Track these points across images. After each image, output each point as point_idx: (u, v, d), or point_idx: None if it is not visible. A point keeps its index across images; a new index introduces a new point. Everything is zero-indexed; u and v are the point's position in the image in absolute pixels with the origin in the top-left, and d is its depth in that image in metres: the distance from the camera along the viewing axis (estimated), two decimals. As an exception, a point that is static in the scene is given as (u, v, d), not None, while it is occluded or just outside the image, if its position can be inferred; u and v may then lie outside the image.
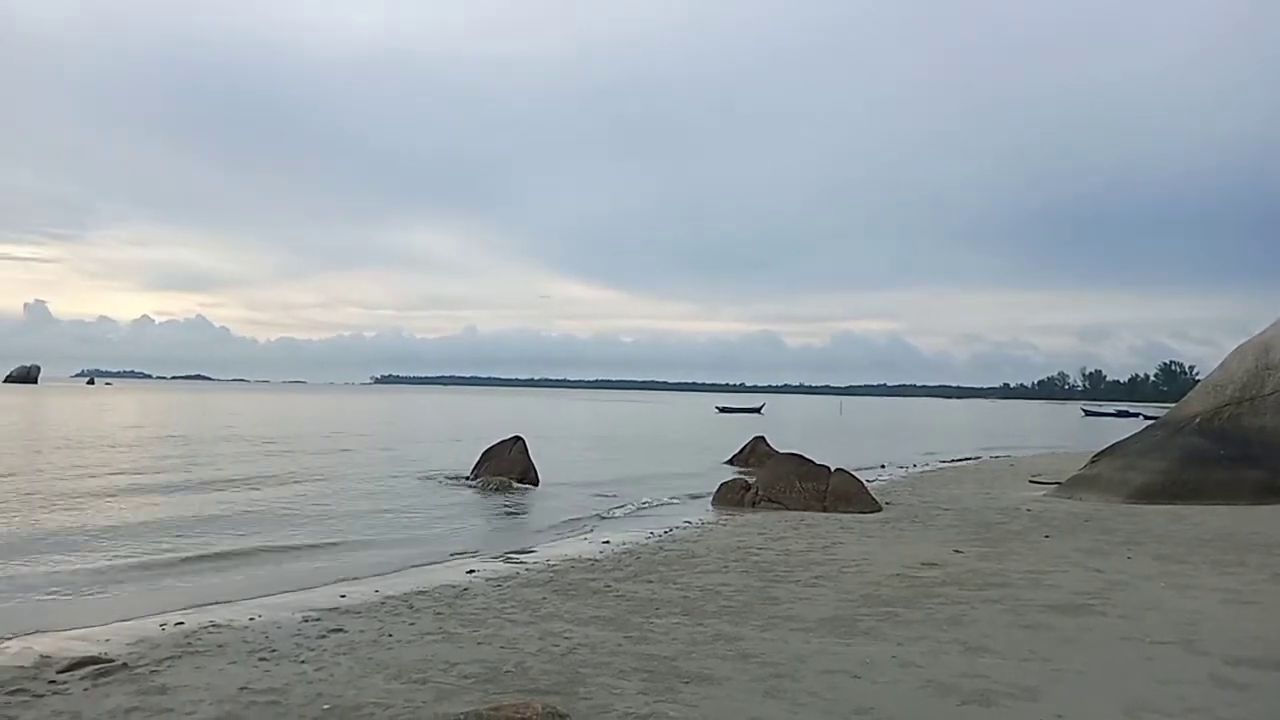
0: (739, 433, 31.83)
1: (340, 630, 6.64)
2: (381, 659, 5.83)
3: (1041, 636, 6.39)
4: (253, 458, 23.03)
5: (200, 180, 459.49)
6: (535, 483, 18.37)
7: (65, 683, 5.33)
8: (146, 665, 5.68)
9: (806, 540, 11.10)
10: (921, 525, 12.60)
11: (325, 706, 4.85)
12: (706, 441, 35.54)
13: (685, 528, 12.69)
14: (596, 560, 9.94)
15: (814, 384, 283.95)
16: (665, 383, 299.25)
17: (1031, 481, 19.08)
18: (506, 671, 5.53)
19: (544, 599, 7.79)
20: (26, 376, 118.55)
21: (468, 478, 18.71)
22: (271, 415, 54.75)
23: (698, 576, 8.76)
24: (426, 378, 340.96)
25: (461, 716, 4.42)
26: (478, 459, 19.28)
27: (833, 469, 15.10)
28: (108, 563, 9.62)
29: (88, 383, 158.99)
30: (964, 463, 27.18)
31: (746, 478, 16.38)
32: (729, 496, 15.29)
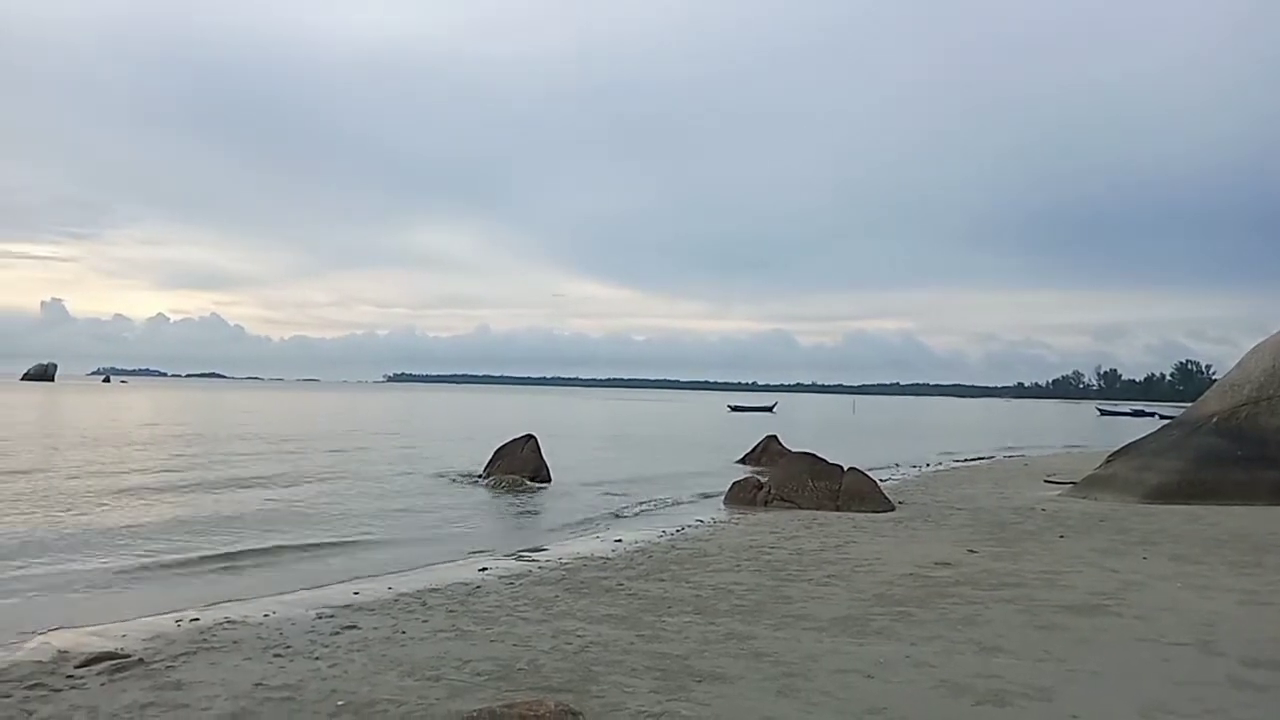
0: (751, 432, 31.78)
1: (354, 627, 6.67)
2: (395, 656, 5.86)
3: (1056, 637, 6.35)
4: (267, 456, 23.14)
5: (215, 180, 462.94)
6: (547, 481, 18.40)
7: (82, 678, 5.38)
8: (162, 661, 5.73)
9: (819, 539, 11.07)
10: (935, 525, 12.54)
11: (339, 703, 4.88)
12: (718, 440, 35.50)
13: (697, 526, 12.68)
14: (609, 559, 9.95)
15: (826, 383, 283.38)
16: (678, 381, 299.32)
17: (1046, 481, 18.96)
18: (519, 669, 5.54)
19: (556, 597, 7.80)
20: (44, 374, 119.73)
21: (480, 476, 18.75)
22: (285, 413, 55.05)
23: (710, 575, 8.75)
24: (439, 376, 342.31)
25: (475, 714, 4.43)
26: (490, 457, 19.32)
27: (845, 468, 15.05)
28: (124, 562, 9.65)
29: (103, 380, 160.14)
30: (978, 462, 27.05)
31: (759, 477, 16.35)
32: (741, 495, 15.27)
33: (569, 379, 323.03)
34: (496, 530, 13.40)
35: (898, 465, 24.48)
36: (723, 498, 15.58)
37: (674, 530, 12.26)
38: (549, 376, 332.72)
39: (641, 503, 15.97)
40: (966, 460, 27.77)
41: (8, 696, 5.04)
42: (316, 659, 5.79)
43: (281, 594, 8.20)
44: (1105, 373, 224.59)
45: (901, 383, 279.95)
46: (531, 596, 7.83)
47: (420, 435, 36.00)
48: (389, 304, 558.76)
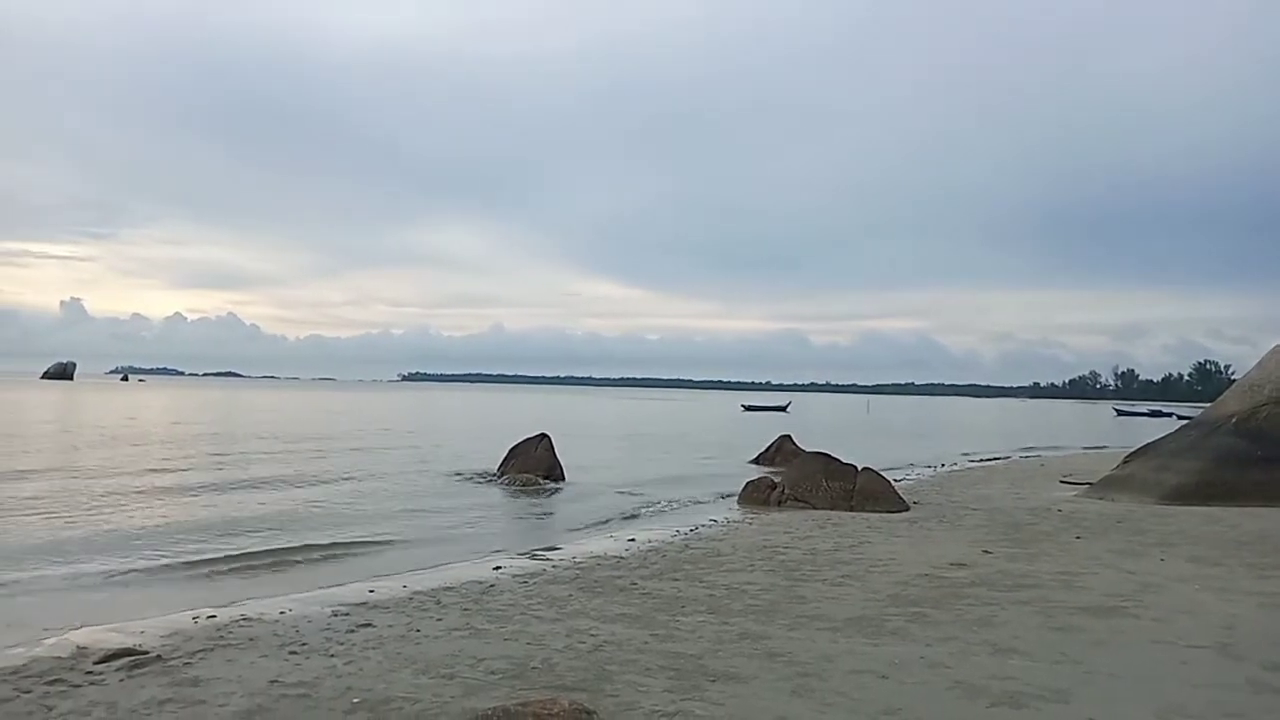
0: (765, 431, 31.72)
1: (369, 625, 6.71)
2: (410, 654, 5.88)
3: (1073, 639, 6.31)
4: (283, 456, 23.26)
5: (232, 180, 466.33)
6: (561, 480, 18.44)
7: (101, 673, 5.43)
8: (180, 657, 5.77)
9: (833, 539, 11.04)
10: (950, 525, 12.48)
11: (355, 700, 4.90)
12: (732, 440, 35.45)
13: (711, 526, 12.67)
14: (622, 558, 9.95)
15: (840, 382, 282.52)
16: (691, 381, 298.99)
17: (1062, 482, 18.84)
18: (533, 668, 5.55)
19: (570, 596, 7.81)
20: (63, 373, 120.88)
21: (494, 475, 18.80)
22: (301, 412, 55.37)
23: (724, 575, 8.74)
24: (453, 375, 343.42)
25: (489, 712, 4.44)
26: (504, 456, 19.37)
27: (860, 468, 15.00)
28: (142, 563, 9.65)
29: (121, 379, 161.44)
30: (993, 462, 26.90)
31: (772, 476, 16.31)
32: (755, 495, 15.24)
33: (582, 378, 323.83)
34: (511, 529, 13.43)
35: (912, 465, 24.38)
36: (736, 497, 15.56)
37: (688, 530, 12.26)
38: (562, 376, 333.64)
39: (655, 502, 15.97)
40: (982, 460, 27.62)
41: (28, 692, 5.09)
42: (332, 656, 5.82)
43: (297, 592, 8.26)
44: (1122, 373, 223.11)
45: (916, 382, 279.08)
46: (545, 595, 7.84)
47: (435, 434, 36.13)
48: (403, 303, 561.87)
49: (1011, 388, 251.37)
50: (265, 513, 13.41)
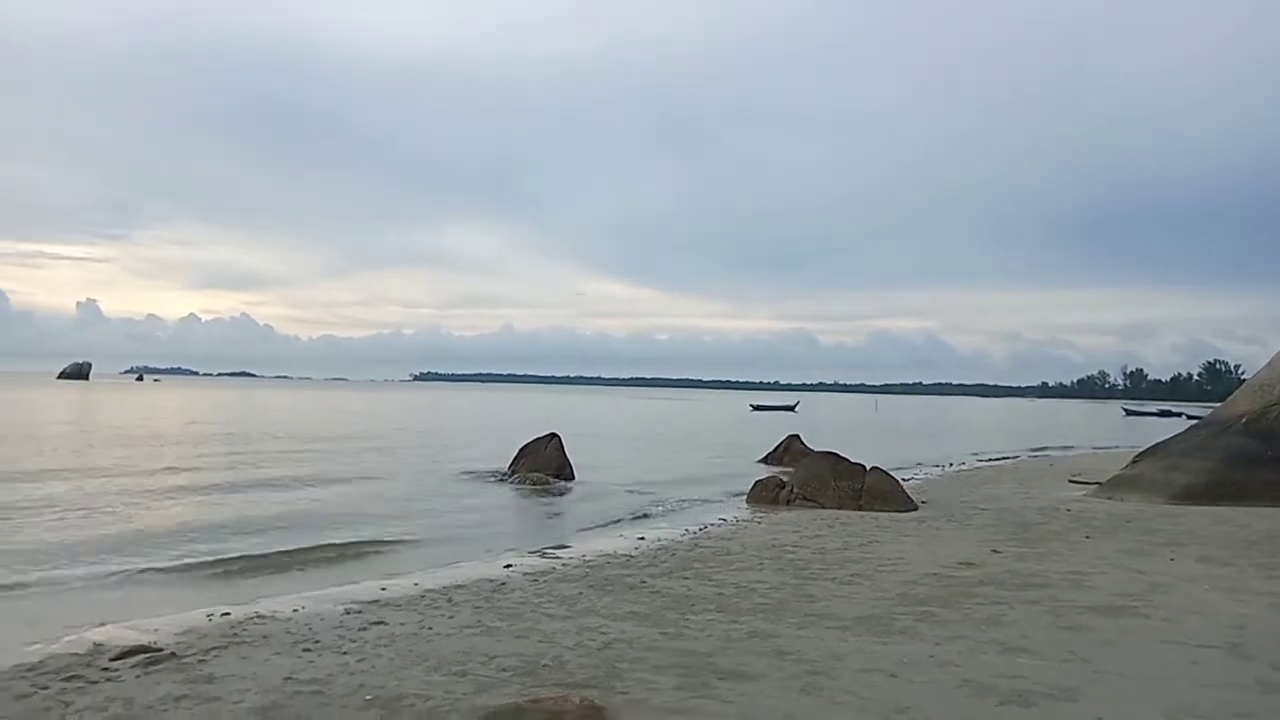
0: (773, 431, 31.71)
1: (381, 623, 6.76)
2: (422, 651, 5.93)
3: (1082, 638, 6.32)
4: (297, 456, 23.34)
5: (245, 182, 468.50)
6: (571, 479, 18.49)
7: (117, 670, 5.50)
8: (194, 655, 5.84)
9: (842, 538, 11.06)
10: (958, 524, 12.48)
11: (367, 697, 4.95)
12: (740, 439, 35.45)
13: (720, 525, 12.69)
14: (632, 556, 9.99)
15: (848, 382, 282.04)
16: (700, 381, 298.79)
17: (1071, 481, 18.79)
18: (544, 665, 5.59)
19: (580, 594, 7.85)
20: (79, 373, 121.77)
21: (504, 474, 18.87)
22: (314, 412, 55.60)
23: (733, 573, 8.77)
24: (464, 375, 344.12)
25: (501, 709, 4.49)
26: (514, 455, 19.43)
27: (868, 467, 15.00)
28: (157, 562, 9.67)
29: (137, 379, 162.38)
30: (1002, 462, 26.83)
31: (781, 476, 16.33)
32: (764, 494, 15.26)
33: (592, 378, 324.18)
34: (521, 527, 13.49)
35: (920, 465, 24.35)
36: (745, 496, 15.58)
37: (697, 528, 12.29)
38: (572, 375, 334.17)
39: (664, 501, 16.00)
40: (990, 460, 27.56)
41: (46, 688, 5.16)
42: (345, 654, 5.88)
43: (310, 590, 8.32)
44: (1131, 372, 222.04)
45: (924, 382, 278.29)
46: (556, 593, 7.88)
47: (446, 434, 36.25)
48: (415, 304, 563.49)
49: (1020, 387, 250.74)
50: (278, 513, 13.48)
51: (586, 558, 9.94)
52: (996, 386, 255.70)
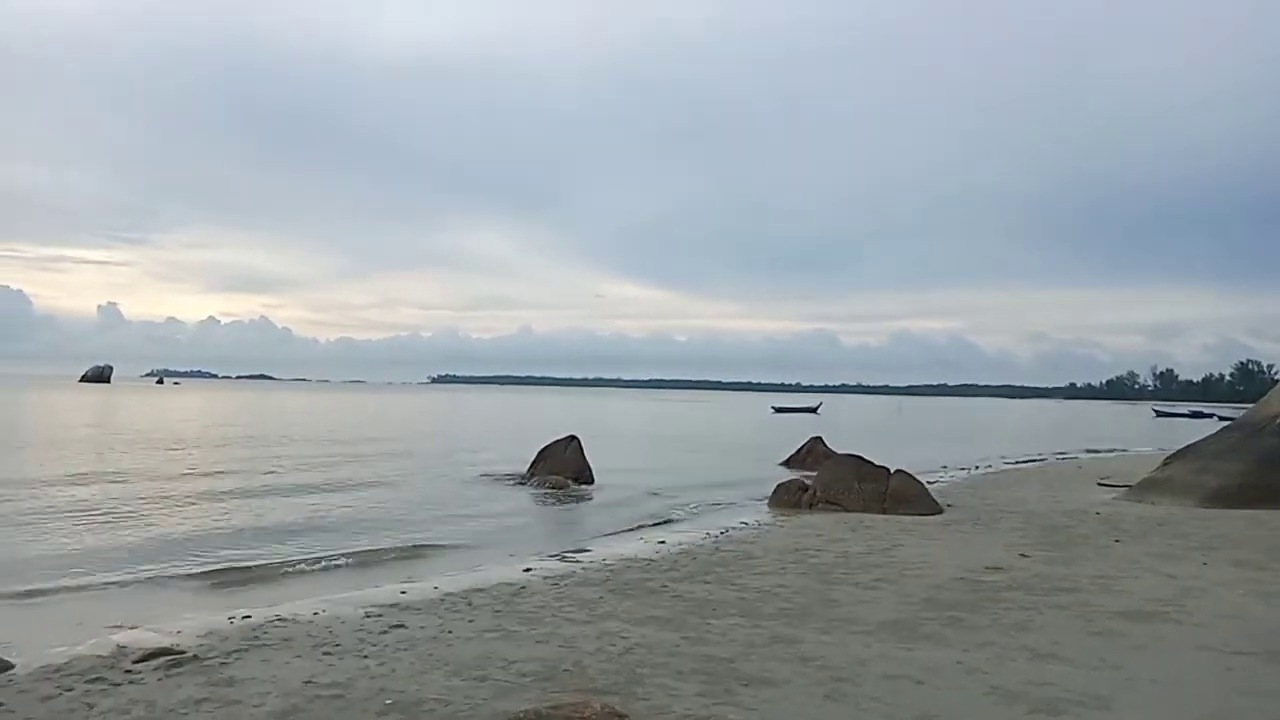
0: (795, 433, 31.54)
1: (401, 626, 6.75)
2: (442, 655, 5.90)
3: (1113, 644, 6.19)
4: (316, 460, 23.43)
5: (264, 185, 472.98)
6: (590, 482, 18.46)
7: (140, 673, 5.51)
8: (216, 657, 5.85)
9: (866, 542, 10.94)
10: (985, 528, 12.32)
11: (388, 701, 4.93)
12: (762, 442, 35.30)
13: (742, 529, 12.61)
14: (652, 560, 9.93)
15: (872, 384, 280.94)
16: (719, 382, 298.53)
17: (1100, 484, 18.53)
18: (564, 670, 5.55)
19: (601, 598, 7.81)
20: (100, 376, 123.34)
21: (523, 477, 18.87)
22: (333, 415, 56.00)
23: (755, 578, 8.69)
24: (482, 377, 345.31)
25: (521, 714, 4.44)
26: (533, 458, 19.43)
27: (892, 470, 14.86)
28: (179, 568, 9.66)
29: (157, 382, 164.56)
30: (1028, 464, 26.54)
31: (804, 479, 16.21)
32: (786, 498, 15.15)
33: (610, 380, 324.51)
34: (540, 531, 13.46)
35: (945, 467, 24.12)
36: (767, 500, 15.48)
37: (718, 532, 12.21)
38: (590, 377, 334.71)
39: (685, 504, 15.93)
40: (1017, 463, 27.25)
41: (70, 690, 5.18)
42: (365, 657, 5.86)
43: (331, 593, 8.32)
44: (1161, 373, 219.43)
45: (949, 383, 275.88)
46: (576, 597, 7.84)
47: (464, 436, 36.38)
48: (432, 306, 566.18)
49: (1047, 388, 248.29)
50: (298, 518, 13.47)
51: (607, 561, 9.90)
52: (1023, 388, 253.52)
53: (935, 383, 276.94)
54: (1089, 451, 33.30)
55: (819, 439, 25.09)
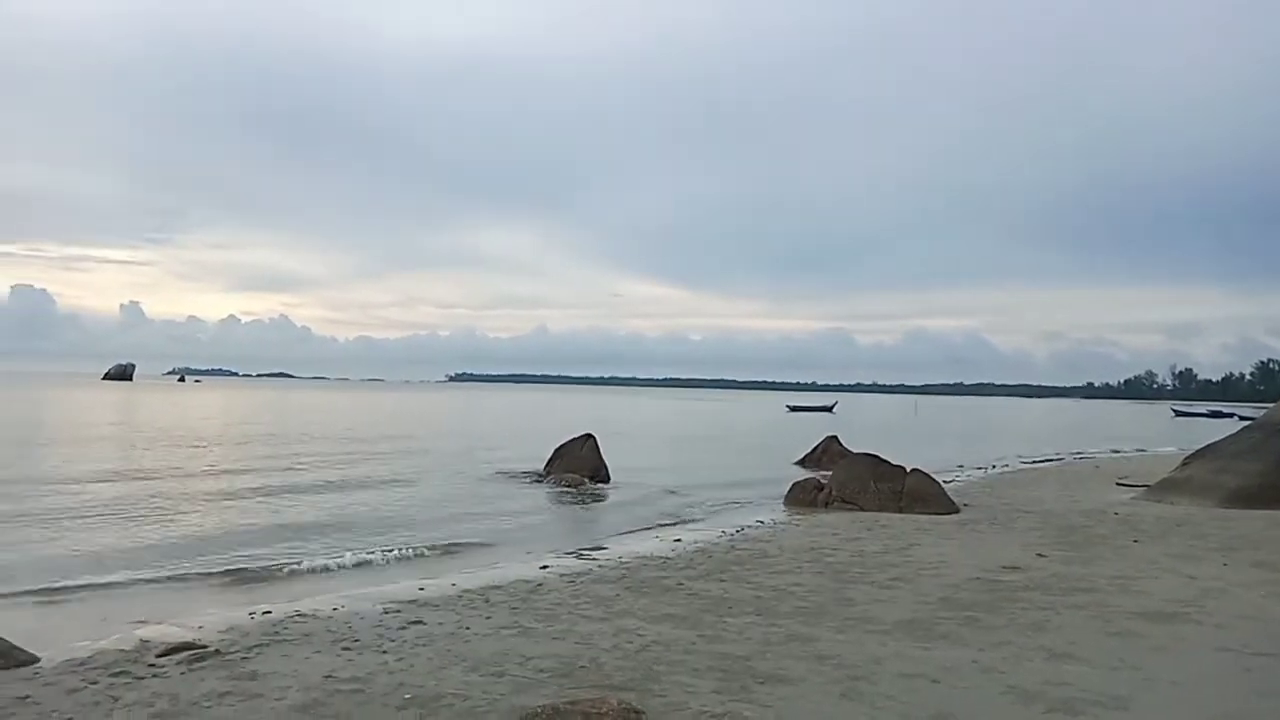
0: (810, 432, 31.47)
1: (419, 622, 6.80)
2: (460, 651, 5.95)
3: (1131, 644, 6.16)
4: (335, 459, 23.50)
5: (284, 185, 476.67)
6: (606, 480, 18.50)
7: (163, 666, 5.59)
8: (237, 652, 5.92)
9: (881, 541, 10.92)
10: (1002, 527, 12.27)
11: (406, 696, 4.98)
12: (777, 441, 35.23)
13: (757, 527, 12.61)
14: (668, 558, 9.96)
15: (887, 383, 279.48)
16: (735, 381, 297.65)
17: (1118, 484, 18.40)
18: (581, 667, 5.58)
19: (617, 595, 7.84)
20: (123, 374, 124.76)
21: (540, 475, 18.93)
22: (352, 413, 56.31)
23: (770, 576, 8.70)
24: (499, 375, 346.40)
25: (538, 710, 4.48)
26: (550, 456, 19.49)
27: (908, 469, 14.82)
28: (200, 568, 9.64)
29: (178, 380, 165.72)
30: (1045, 464, 26.36)
31: (819, 478, 16.18)
32: (801, 496, 15.14)
33: (626, 378, 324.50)
34: (557, 529, 13.51)
35: (962, 467, 24.00)
36: (783, 499, 15.47)
37: (734, 531, 12.22)
38: (606, 376, 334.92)
39: (701, 503, 15.94)
40: (1034, 462, 27.07)
41: (95, 683, 5.27)
42: (384, 653, 5.92)
43: (350, 589, 8.40)
44: (1180, 372, 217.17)
45: (965, 383, 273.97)
46: (592, 595, 7.88)
47: (481, 435, 36.51)
48: (450, 305, 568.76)
49: (1064, 388, 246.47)
50: (318, 517, 13.47)
51: (623, 559, 9.93)
52: (1040, 387, 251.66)
53: (951, 382, 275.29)
54: (1107, 451, 33.04)
55: (834, 438, 25.03)
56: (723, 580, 8.53)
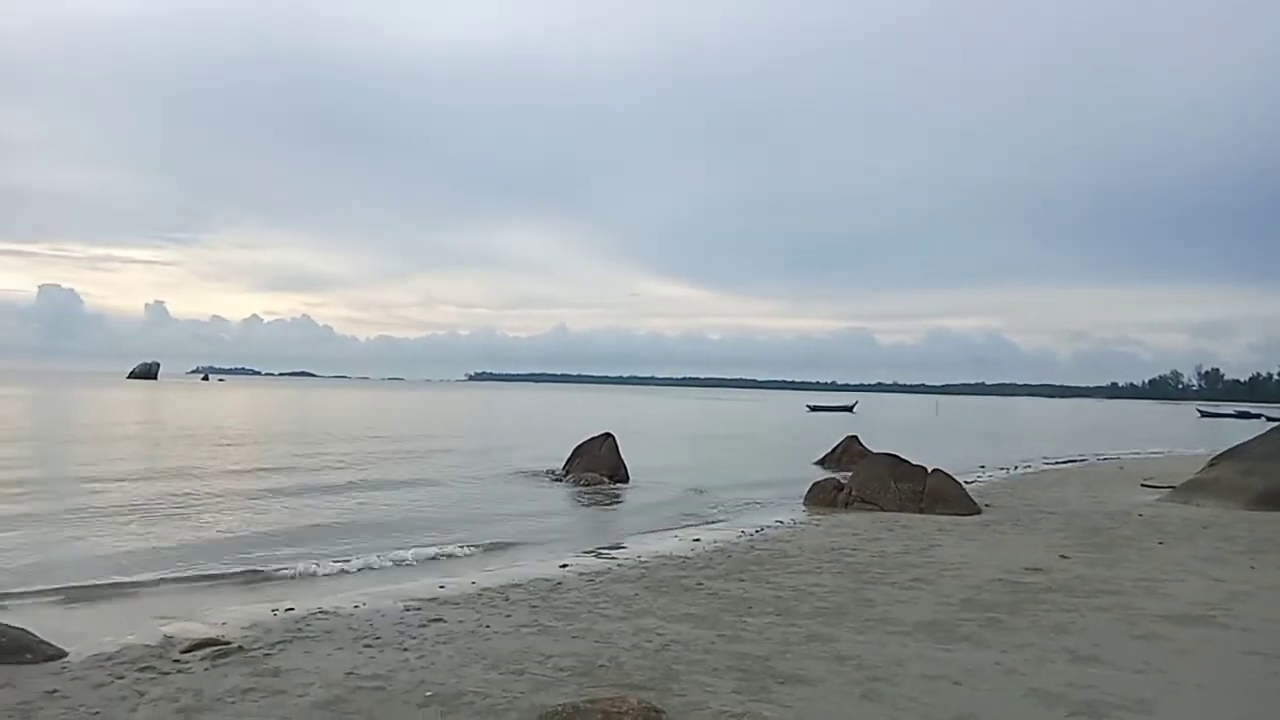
0: (830, 432, 31.35)
1: (440, 620, 6.84)
2: (480, 649, 5.98)
3: (1157, 647, 6.09)
4: (357, 458, 23.56)
5: (307, 186, 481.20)
6: (625, 479, 18.51)
7: (188, 662, 5.65)
8: (260, 648, 5.97)
9: (902, 542, 10.86)
10: (1024, 529, 12.16)
11: (428, 693, 5.00)
12: (797, 441, 35.11)
13: (777, 527, 12.57)
14: (687, 558, 9.95)
15: (908, 382, 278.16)
16: (754, 381, 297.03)
17: (1143, 485, 18.19)
18: (601, 665, 5.59)
19: (636, 595, 7.84)
20: (148, 373, 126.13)
21: (559, 474, 18.97)
22: (373, 413, 56.67)
23: (790, 576, 8.67)
24: (518, 375, 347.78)
25: (558, 709, 4.49)
26: (569, 455, 19.53)
27: (929, 469, 14.72)
28: (223, 570, 9.59)
29: (202, 379, 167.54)
30: (1069, 465, 26.10)
31: (839, 478, 16.12)
32: (821, 496, 15.08)
33: (645, 378, 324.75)
34: (576, 528, 13.53)
35: (983, 467, 23.81)
36: (802, 498, 15.41)
37: (753, 530, 12.19)
38: (625, 375, 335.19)
39: (720, 502, 15.91)
40: (1057, 463, 26.82)
41: (122, 677, 5.33)
42: (405, 650, 5.96)
43: (370, 586, 8.45)
44: (1206, 372, 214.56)
45: (987, 382, 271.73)
46: (612, 594, 7.88)
47: (500, 434, 36.63)
48: (470, 304, 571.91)
49: (1088, 388, 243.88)
50: (339, 517, 13.44)
51: (642, 559, 9.93)
52: (1063, 387, 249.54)
53: (972, 382, 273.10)
54: (1132, 452, 32.67)
55: (854, 438, 24.92)
56: (742, 580, 8.51)
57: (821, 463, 23.68)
